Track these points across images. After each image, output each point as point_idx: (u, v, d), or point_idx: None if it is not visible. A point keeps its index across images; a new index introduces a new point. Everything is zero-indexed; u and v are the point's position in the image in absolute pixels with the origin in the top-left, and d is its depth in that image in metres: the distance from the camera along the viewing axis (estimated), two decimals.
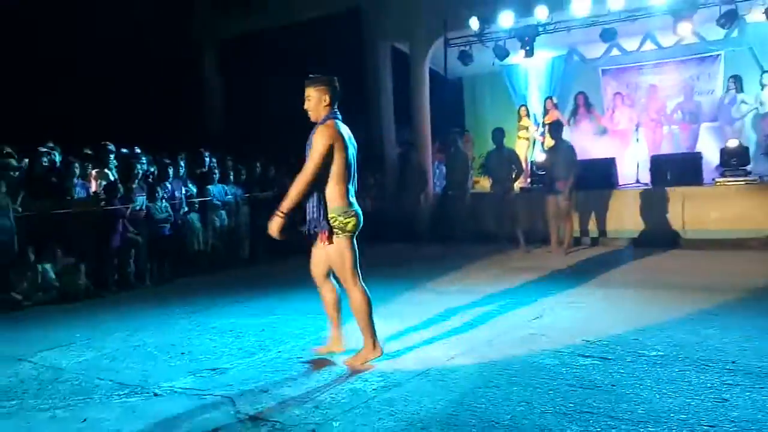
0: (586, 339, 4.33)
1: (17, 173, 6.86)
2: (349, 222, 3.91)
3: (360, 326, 4.01)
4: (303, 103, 4.03)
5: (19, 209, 6.61)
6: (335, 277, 4.16)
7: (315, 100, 3.94)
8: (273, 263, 9.32)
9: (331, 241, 3.93)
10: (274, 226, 3.90)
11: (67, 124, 9.95)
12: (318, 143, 3.82)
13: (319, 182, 3.85)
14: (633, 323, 4.70)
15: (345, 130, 4.00)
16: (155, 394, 3.62)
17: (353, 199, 3.99)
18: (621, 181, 10.08)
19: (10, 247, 6.41)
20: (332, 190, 3.88)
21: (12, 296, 6.39)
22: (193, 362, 4.24)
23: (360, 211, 4.02)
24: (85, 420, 3.26)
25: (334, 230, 3.91)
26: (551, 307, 5.39)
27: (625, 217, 9.15)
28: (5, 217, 6.35)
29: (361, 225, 4.02)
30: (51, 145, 7.64)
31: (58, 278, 6.74)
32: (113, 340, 4.96)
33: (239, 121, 13.38)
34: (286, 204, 3.87)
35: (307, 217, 3.96)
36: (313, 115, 3.97)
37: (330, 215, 3.88)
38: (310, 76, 4.01)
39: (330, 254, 3.97)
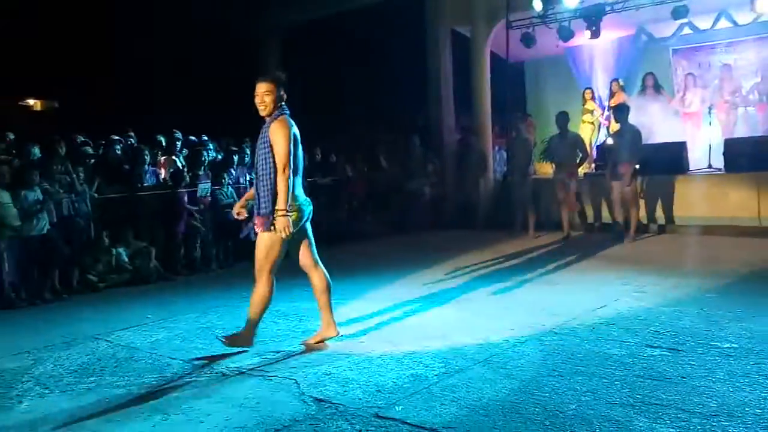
0: (654, 329, 4.21)
1: (93, 160, 7.18)
2: (291, 215, 3.98)
3: (250, 315, 4.11)
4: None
5: (95, 195, 6.92)
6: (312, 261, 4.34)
7: (268, 97, 4.03)
8: (332, 249, 9.45)
9: (268, 229, 3.97)
10: (283, 224, 3.92)
11: (138, 112, 10.35)
12: (280, 137, 3.92)
13: (272, 174, 3.94)
14: (704, 314, 4.54)
15: (294, 126, 4.11)
16: (223, 375, 3.74)
17: (299, 193, 4.10)
18: (692, 166, 9.69)
19: (86, 231, 6.73)
20: (280, 182, 3.95)
21: (89, 278, 6.72)
22: (259, 344, 4.33)
23: (306, 206, 4.13)
24: (158, 397, 3.41)
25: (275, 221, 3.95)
26: (618, 296, 5.26)
27: (695, 204, 8.79)
28: (82, 202, 6.67)
29: (305, 219, 4.14)
30: (130, 134, 7.96)
31: (130, 261, 7.04)
32: (183, 322, 5.16)
33: (301, 108, 13.54)
34: (282, 201, 3.92)
35: (256, 203, 4.04)
36: (265, 111, 4.05)
37: (276, 207, 3.94)
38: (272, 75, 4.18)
39: (263, 241, 4.03)
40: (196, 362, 4.00)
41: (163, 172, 7.81)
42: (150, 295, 6.38)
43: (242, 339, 4.12)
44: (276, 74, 4.19)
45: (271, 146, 3.95)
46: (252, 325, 4.13)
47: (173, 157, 8.02)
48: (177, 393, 3.47)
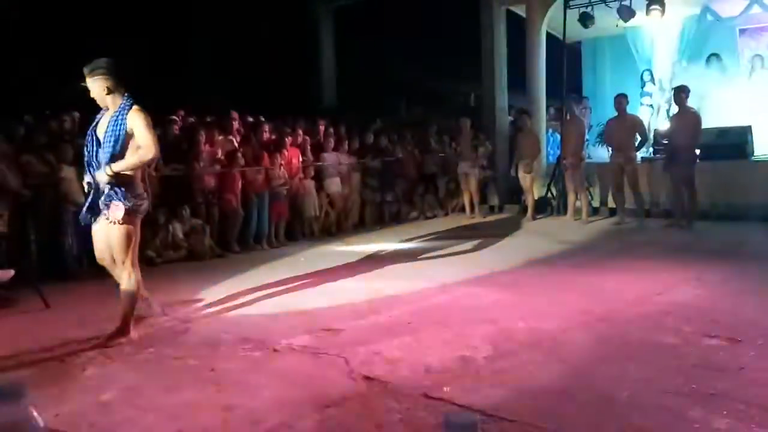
0: (712, 318, 4.08)
1: None
2: (142, 204, 4.03)
3: (123, 307, 4.11)
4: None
5: (153, 173, 7.12)
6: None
7: (104, 89, 3.98)
8: (381, 230, 9.53)
9: (123, 222, 3.96)
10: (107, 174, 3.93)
11: (195, 92, 10.58)
12: (145, 124, 3.92)
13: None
14: (765, 304, 4.38)
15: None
16: (275, 350, 3.83)
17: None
18: (757, 151, 9.29)
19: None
20: (133, 173, 3.99)
21: (147, 253, 6.94)
22: (309, 321, 4.42)
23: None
24: (213, 370, 3.52)
25: (129, 211, 3.96)
26: (675, 283, 5.12)
27: (759, 191, 8.43)
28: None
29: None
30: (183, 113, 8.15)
31: (186, 238, 7.24)
32: (236, 298, 5.27)
33: (353, 89, 13.60)
34: (120, 167, 3.92)
35: (97, 197, 4.02)
36: (101, 102, 4.05)
37: (129, 197, 3.95)
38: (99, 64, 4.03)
39: (114, 234, 4.01)
40: (249, 337, 4.10)
41: (220, 152, 7.96)
42: (204, 271, 6.54)
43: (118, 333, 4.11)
44: (108, 64, 4.04)
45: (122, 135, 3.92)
46: (127, 317, 4.15)
47: (229, 137, 8.16)
48: (231, 366, 3.56)
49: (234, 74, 11.98)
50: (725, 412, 2.72)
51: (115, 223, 3.98)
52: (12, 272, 5.18)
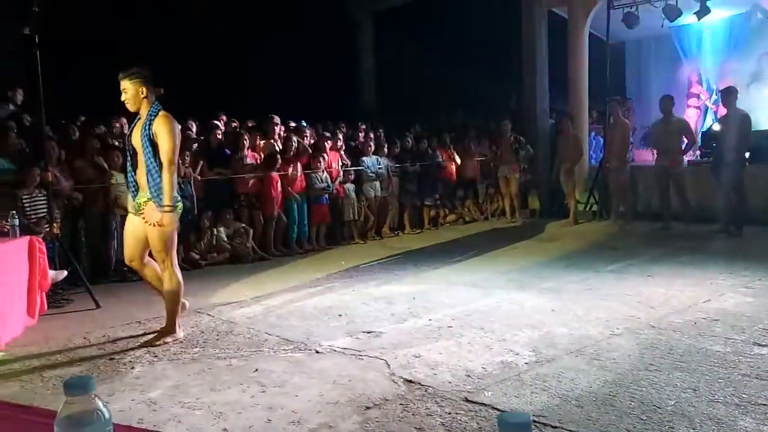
0: (762, 327, 3.98)
1: (196, 144, 7.56)
2: (179, 205, 4.14)
3: (168, 307, 4.25)
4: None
5: (198, 177, 7.30)
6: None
7: (140, 92, 4.10)
8: (420, 234, 9.53)
9: (161, 224, 4.05)
10: (169, 220, 4.05)
11: (237, 97, 10.78)
12: (167, 130, 4.03)
13: (159, 168, 4.05)
14: None
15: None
16: (317, 351, 3.88)
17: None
18: None
19: (190, 211, 7.12)
20: (167, 177, 4.05)
21: (191, 255, 7.12)
22: (350, 324, 4.47)
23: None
24: (256, 370, 3.59)
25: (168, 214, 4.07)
26: (723, 290, 4.99)
27: None
28: (188, 184, 7.05)
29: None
30: (230, 119, 8.32)
31: (229, 241, 7.39)
32: (278, 300, 5.37)
33: (392, 93, 13.65)
34: (168, 197, 4.03)
35: (140, 200, 4.15)
36: (134, 106, 4.13)
37: (168, 199, 4.04)
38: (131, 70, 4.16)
39: (153, 235, 4.11)
40: (291, 339, 4.16)
41: (261, 156, 8.09)
42: (247, 273, 6.65)
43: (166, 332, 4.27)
44: (142, 70, 4.17)
45: (154, 141, 4.05)
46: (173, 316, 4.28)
47: (271, 141, 8.30)
48: (273, 366, 3.63)
49: (275, 79, 12.17)
50: None
51: (153, 225, 4.09)
52: (65, 273, 5.39)
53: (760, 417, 2.72)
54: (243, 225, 7.51)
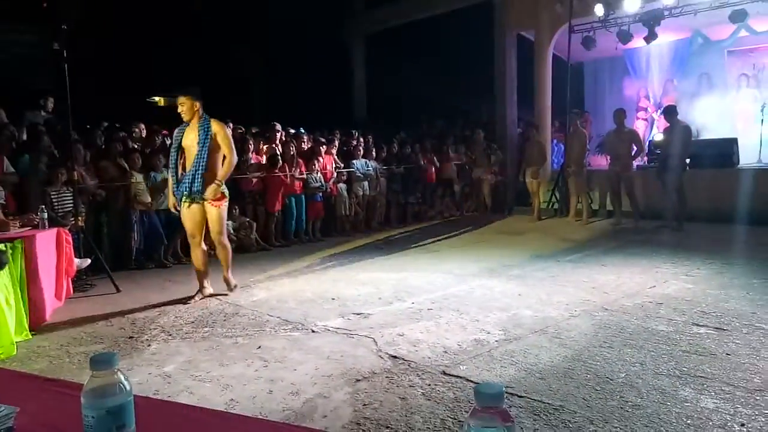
0: (700, 309, 4.02)
1: None
2: (225, 190, 4.75)
3: (227, 267, 4.99)
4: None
5: None
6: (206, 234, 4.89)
7: (196, 107, 4.69)
8: (404, 228, 9.53)
9: (219, 205, 4.69)
10: (222, 196, 4.70)
11: (247, 108, 10.70)
12: (225, 132, 4.68)
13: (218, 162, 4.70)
14: (749, 297, 4.30)
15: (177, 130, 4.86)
16: (313, 331, 3.87)
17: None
18: (742, 161, 9.08)
19: None
20: (229, 165, 4.71)
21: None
22: (342, 307, 4.46)
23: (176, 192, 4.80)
24: (259, 347, 3.57)
25: (224, 198, 4.74)
26: (667, 277, 5.05)
27: (744, 196, 8.23)
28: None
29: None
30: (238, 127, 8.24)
31: (235, 233, 7.33)
32: (279, 285, 5.34)
33: (380, 105, 13.63)
34: (223, 175, 4.68)
35: (196, 188, 4.66)
36: (188, 116, 4.68)
37: (221, 188, 4.69)
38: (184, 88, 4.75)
39: (216, 216, 4.72)
40: (290, 319, 4.14)
41: (264, 159, 8.03)
42: (251, 262, 6.62)
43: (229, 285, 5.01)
44: (193, 88, 4.74)
45: (214, 139, 4.64)
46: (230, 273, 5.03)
47: (273, 146, 8.24)
48: (274, 344, 3.61)
49: (279, 92, 12.11)
50: (713, 393, 2.68)
51: (214, 204, 4.66)
52: (89, 261, 5.32)
53: (698, 387, 2.75)
54: (247, 219, 7.46)
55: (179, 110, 4.65)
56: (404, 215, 10.09)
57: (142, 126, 7.83)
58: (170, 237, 6.65)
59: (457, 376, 2.98)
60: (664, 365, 3.03)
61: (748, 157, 9.28)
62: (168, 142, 7.12)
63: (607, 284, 4.90)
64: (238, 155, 7.50)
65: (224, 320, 4.21)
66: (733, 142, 9.03)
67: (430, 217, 10.45)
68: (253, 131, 8.65)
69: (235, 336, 3.81)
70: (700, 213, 8.23)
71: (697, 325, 3.69)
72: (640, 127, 11.22)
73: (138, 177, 6.44)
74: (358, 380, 2.99)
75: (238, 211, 7.41)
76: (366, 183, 9.12)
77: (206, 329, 4.00)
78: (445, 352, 3.35)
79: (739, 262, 5.59)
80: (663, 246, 6.73)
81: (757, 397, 2.62)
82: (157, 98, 13.92)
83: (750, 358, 3.08)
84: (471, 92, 12.71)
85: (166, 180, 6.47)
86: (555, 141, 11.61)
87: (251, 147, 7.73)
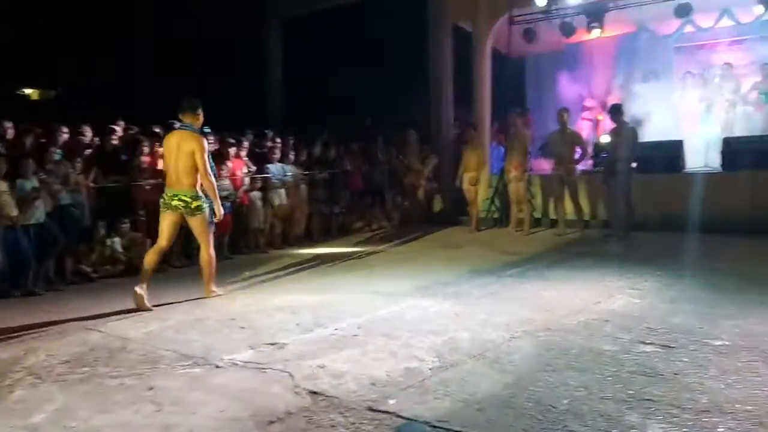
0: (647, 326, 4.23)
1: (90, 150, 7.17)
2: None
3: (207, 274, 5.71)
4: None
5: (92, 185, 6.91)
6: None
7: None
8: (328, 242, 9.50)
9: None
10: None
11: (135, 102, 10.33)
12: (203, 148, 5.49)
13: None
14: (697, 311, 4.57)
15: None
16: (217, 366, 3.75)
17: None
18: (688, 165, 9.71)
19: (82, 221, 6.73)
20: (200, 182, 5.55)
21: (82, 268, 6.72)
22: (253, 336, 4.36)
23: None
24: (151, 388, 3.41)
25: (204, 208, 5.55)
26: (613, 292, 5.29)
27: (691, 203, 8.76)
28: (78, 192, 6.66)
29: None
30: (128, 126, 7.93)
31: (125, 252, 7.04)
32: (176, 313, 5.17)
33: (300, 101, 13.56)
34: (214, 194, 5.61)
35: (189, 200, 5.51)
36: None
37: (202, 198, 5.55)
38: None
39: (199, 225, 5.59)
40: (190, 354, 4.00)
41: (161, 163, 7.76)
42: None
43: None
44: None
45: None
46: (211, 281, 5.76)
47: None
48: (170, 384, 3.47)
49: (179, 84, 11.78)
50: (660, 417, 2.81)
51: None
52: None
53: (645, 411, 2.88)
54: (140, 235, 7.18)
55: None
56: (328, 227, 10.06)
57: (9, 124, 7.37)
58: (41, 258, 6.29)
59: (386, 412, 2.97)
60: (609, 388, 3.16)
61: (693, 160, 9.92)
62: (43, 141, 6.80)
63: (551, 301, 5.07)
64: (129, 160, 7.36)
65: (108, 357, 4.01)
66: (679, 144, 9.64)
67: (357, 230, 10.47)
68: (155, 130, 8.32)
69: (122, 376, 3.64)
70: (647, 221, 8.70)
71: (644, 343, 3.88)
72: (584, 128, 11.77)
73: (1, 185, 6.05)
74: (271, 422, 2.92)
75: (129, 225, 7.12)
76: (283, 191, 9.02)
77: (85, 369, 3.79)
78: (373, 384, 3.34)
79: (687, 274, 5.95)
80: (609, 257, 7.06)
81: (704, 419, 2.78)
82: (29, 90, 13.23)
83: (698, 377, 3.27)
84: (403, 89, 12.90)
85: (36, 189, 6.14)
86: (495, 143, 11.95)
87: (146, 149, 7.47)
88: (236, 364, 3.77)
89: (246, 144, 8.90)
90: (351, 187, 10.47)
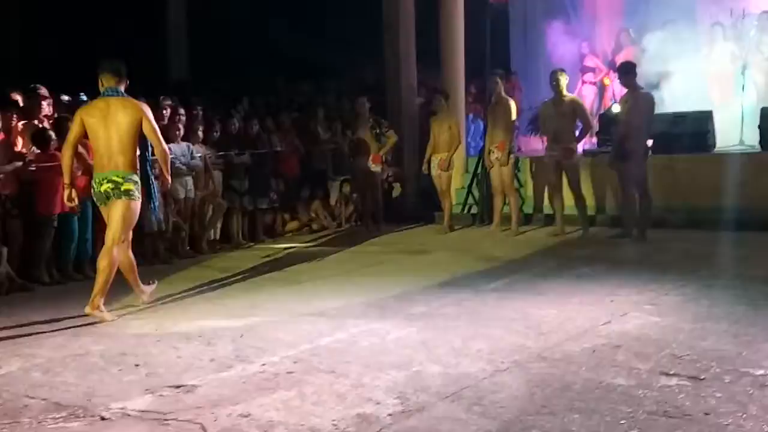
0: (670, 352, 4.31)
1: None
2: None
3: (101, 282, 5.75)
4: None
5: None
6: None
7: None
8: (252, 247, 9.41)
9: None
10: None
11: None
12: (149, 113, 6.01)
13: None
14: (734, 332, 4.67)
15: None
16: (102, 418, 3.66)
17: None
18: (719, 143, 9.95)
19: None
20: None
21: None
22: (151, 377, 4.27)
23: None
24: None
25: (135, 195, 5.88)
26: (626, 309, 5.37)
27: (723, 190, 8.97)
28: None
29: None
30: None
31: None
32: (46, 347, 5.03)
33: (212, 58, 13.37)
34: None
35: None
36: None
37: (137, 184, 5.87)
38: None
39: (121, 212, 5.78)
40: (64, 402, 3.90)
41: (20, 143, 7.56)
42: None
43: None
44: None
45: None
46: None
47: (35, 122, 7.77)
48: None
49: (45, 37, 11.48)
50: None
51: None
52: None
53: None
54: None
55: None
56: (252, 228, 9.96)
57: None
58: None
59: None
60: None
61: (725, 137, 10.16)
62: None
63: (546, 322, 5.11)
64: None
65: None
66: (708, 116, 9.86)
67: (291, 230, 10.39)
68: (13, 99, 8.07)
69: None
70: (668, 216, 8.87)
71: (667, 374, 3.94)
72: (587, 94, 11.96)
73: None
74: None
75: None
76: (189, 179, 8.89)
77: None
78: None
79: (719, 284, 6.09)
80: (620, 264, 7.17)
81: None
82: None
83: (735, 418, 3.33)
84: (351, 45, 12.86)
85: None
86: (471, 116, 12.04)
87: None
88: (128, 415, 3.69)
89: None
90: (283, 173, 10.37)
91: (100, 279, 5.72)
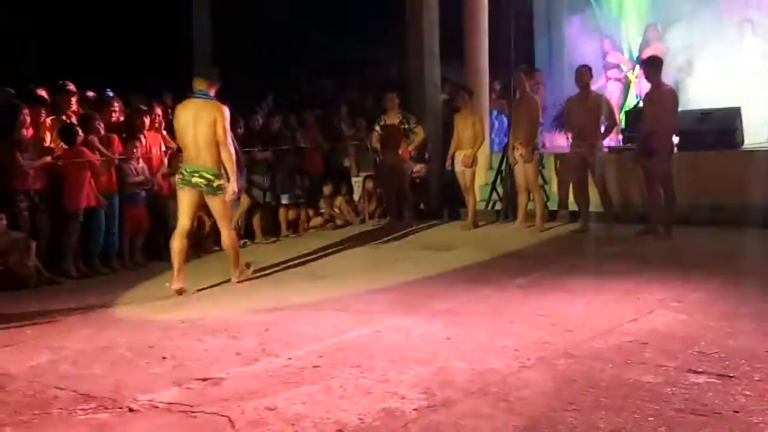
0: (698, 350, 4.28)
1: None
2: None
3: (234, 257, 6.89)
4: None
5: None
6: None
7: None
8: (273, 242, 9.46)
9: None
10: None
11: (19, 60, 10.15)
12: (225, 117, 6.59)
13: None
14: (764, 330, 4.63)
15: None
16: (131, 410, 3.70)
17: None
18: (748, 140, 9.85)
19: None
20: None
21: None
22: (179, 369, 4.32)
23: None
24: None
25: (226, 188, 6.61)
26: (652, 306, 5.34)
27: (752, 189, 8.87)
28: None
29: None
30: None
31: (1, 258, 6.91)
32: (75, 339, 5.09)
33: (237, 55, 13.42)
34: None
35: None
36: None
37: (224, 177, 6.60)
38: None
39: (221, 206, 6.69)
40: (93, 393, 3.95)
41: (48, 138, 7.63)
42: (28, 302, 6.33)
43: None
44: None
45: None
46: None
47: (64, 116, 7.84)
48: None
49: (73, 38, 11.61)
50: None
51: None
52: None
53: None
54: (22, 236, 7.06)
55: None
56: (276, 224, 10.00)
57: None
58: None
59: None
60: None
61: (754, 134, 10.05)
62: None
63: (572, 318, 5.09)
64: (8, 131, 7.22)
65: None
66: (736, 113, 9.75)
67: (315, 227, 10.41)
68: (40, 95, 8.15)
69: (1, 424, 3.57)
70: (695, 213, 8.79)
71: (695, 372, 3.91)
72: (612, 91, 11.87)
73: None
74: None
75: (6, 221, 6.99)
76: None
77: None
78: (340, 431, 3.32)
79: (748, 281, 6.02)
80: (647, 261, 7.12)
81: None
82: None
83: (765, 416, 3.30)
84: (374, 41, 12.86)
85: None
86: (495, 112, 12.00)
87: (27, 120, 7.33)
88: (156, 407, 3.73)
89: (159, 112, 8.77)
90: (307, 170, 10.40)
91: (233, 255, 6.85)
